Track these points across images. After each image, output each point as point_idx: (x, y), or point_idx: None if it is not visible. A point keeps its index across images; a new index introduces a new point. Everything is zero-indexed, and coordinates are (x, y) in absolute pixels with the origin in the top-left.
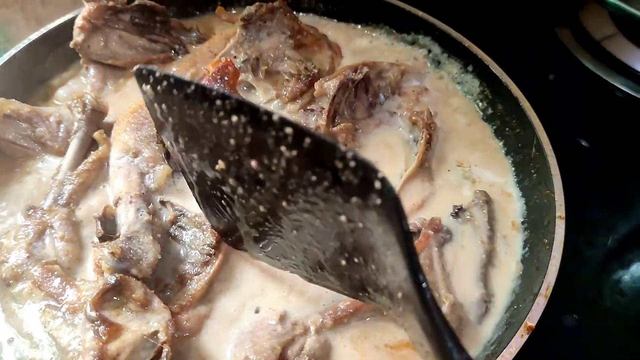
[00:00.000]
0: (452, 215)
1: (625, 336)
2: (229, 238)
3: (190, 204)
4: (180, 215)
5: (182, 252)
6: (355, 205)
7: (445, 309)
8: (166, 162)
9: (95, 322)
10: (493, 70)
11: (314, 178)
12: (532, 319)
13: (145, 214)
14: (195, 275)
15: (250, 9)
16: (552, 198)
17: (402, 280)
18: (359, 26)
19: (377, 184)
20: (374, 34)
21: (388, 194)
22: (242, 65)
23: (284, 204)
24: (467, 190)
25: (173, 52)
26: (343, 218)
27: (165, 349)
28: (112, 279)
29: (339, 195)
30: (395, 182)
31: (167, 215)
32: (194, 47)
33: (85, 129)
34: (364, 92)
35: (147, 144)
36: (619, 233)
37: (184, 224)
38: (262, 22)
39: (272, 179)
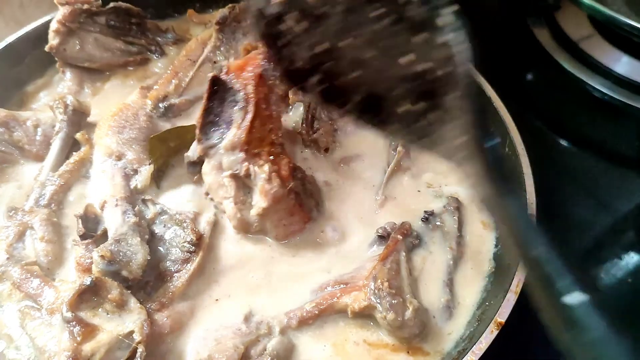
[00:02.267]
0: (422, 220)
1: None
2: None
3: (171, 202)
4: (161, 212)
5: (162, 249)
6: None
7: (408, 314)
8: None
9: (71, 323)
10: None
11: (378, 12)
12: (502, 314)
13: (132, 216)
14: (176, 272)
15: (223, 12)
16: (524, 197)
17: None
18: None
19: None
20: None
21: (457, 28)
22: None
23: (348, 40)
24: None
25: (149, 53)
26: (404, 59)
27: (140, 349)
28: (87, 280)
29: (405, 31)
30: (379, 177)
31: (148, 213)
32: (170, 48)
33: (67, 129)
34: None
35: (130, 146)
36: (595, 231)
37: (165, 222)
38: (237, 23)
39: (335, 12)
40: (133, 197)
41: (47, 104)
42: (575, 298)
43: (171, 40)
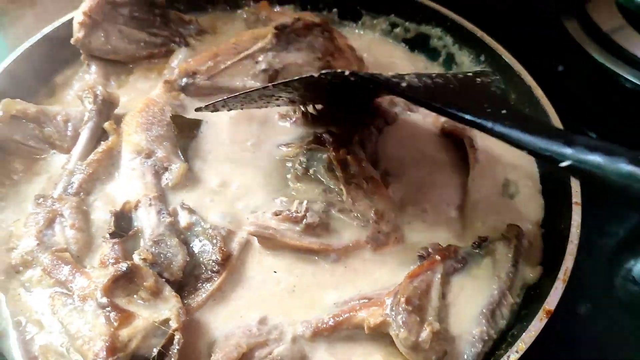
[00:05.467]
0: (473, 245)
1: (637, 324)
2: None
3: (205, 212)
4: (196, 223)
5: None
6: None
7: (424, 335)
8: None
9: (106, 308)
10: (506, 59)
11: None
12: (551, 303)
13: (167, 215)
14: (195, 290)
15: (286, 20)
16: (568, 185)
17: None
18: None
19: None
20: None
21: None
22: (260, 74)
23: None
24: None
25: (173, 44)
26: None
27: (177, 336)
28: (123, 266)
29: None
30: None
31: (182, 220)
32: (193, 40)
33: (96, 119)
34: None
35: (160, 143)
36: (631, 223)
37: (197, 234)
38: (295, 36)
39: None
40: (165, 196)
41: (76, 93)
42: None
43: (194, 31)
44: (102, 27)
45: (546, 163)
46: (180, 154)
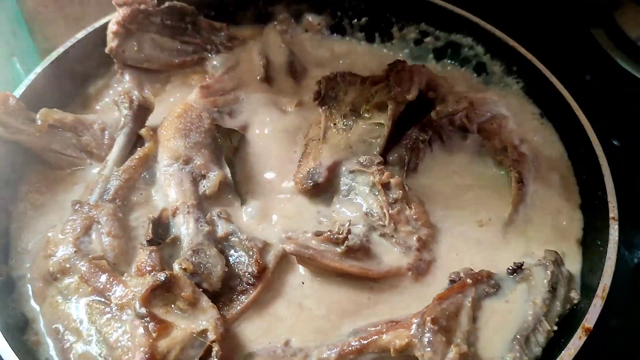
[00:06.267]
0: (508, 270)
1: None
2: None
3: (242, 221)
4: (232, 234)
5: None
6: None
7: (451, 356)
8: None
9: (145, 319)
10: (541, 70)
11: None
12: (590, 320)
13: (205, 224)
14: (230, 302)
15: (314, 90)
16: (604, 199)
17: None
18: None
19: None
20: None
21: None
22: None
23: None
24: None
25: (205, 52)
26: None
27: (215, 348)
28: (162, 276)
29: None
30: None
31: (219, 229)
32: (224, 47)
33: (132, 125)
34: (439, 140)
35: (198, 150)
36: None
37: (234, 244)
38: (332, 90)
39: None
40: (202, 204)
41: (112, 99)
42: None
43: (225, 38)
44: (135, 36)
45: None
46: (223, 161)
